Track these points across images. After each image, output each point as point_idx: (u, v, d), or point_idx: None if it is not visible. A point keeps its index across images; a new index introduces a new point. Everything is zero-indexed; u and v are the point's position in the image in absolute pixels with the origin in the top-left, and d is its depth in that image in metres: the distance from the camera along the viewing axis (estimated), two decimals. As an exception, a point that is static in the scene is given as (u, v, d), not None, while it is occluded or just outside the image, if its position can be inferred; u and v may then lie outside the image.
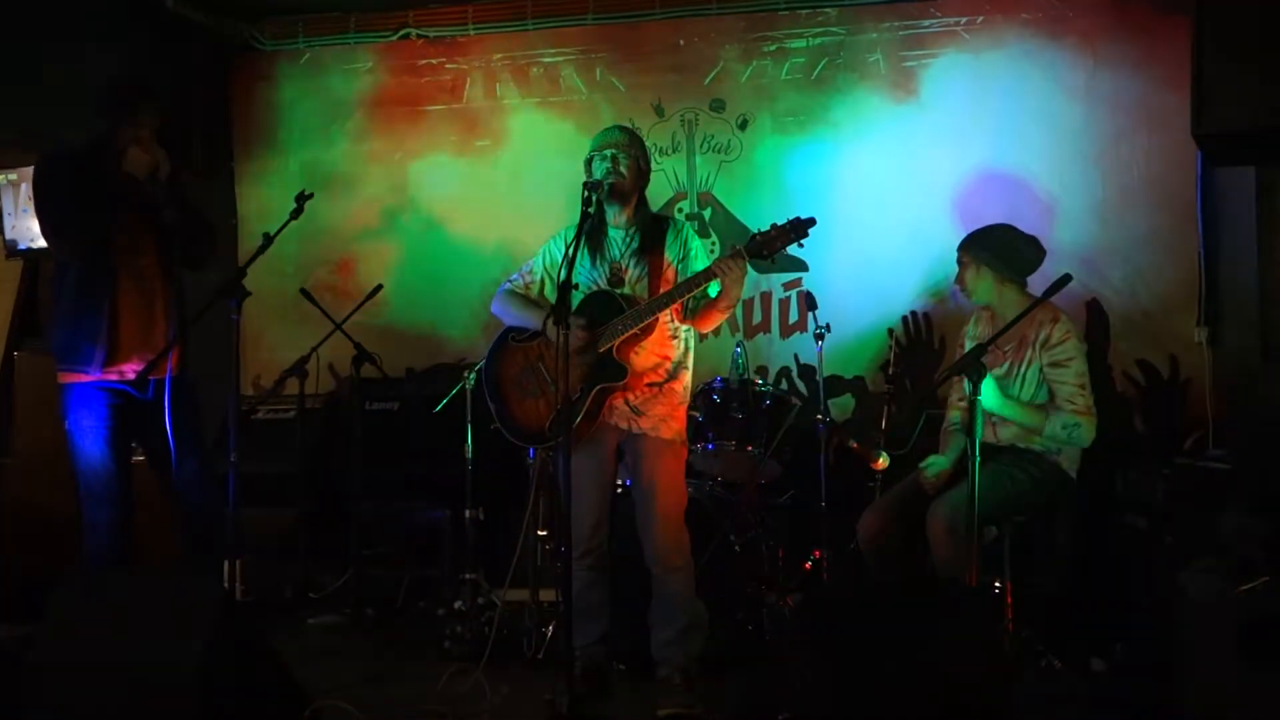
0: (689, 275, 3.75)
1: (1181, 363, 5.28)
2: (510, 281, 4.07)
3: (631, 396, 3.82)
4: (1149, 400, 5.30)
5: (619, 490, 4.21)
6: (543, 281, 4.00)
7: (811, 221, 3.60)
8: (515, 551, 4.54)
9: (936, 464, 4.15)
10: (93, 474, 3.92)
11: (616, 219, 3.90)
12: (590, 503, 3.85)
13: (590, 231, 3.83)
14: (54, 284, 4.01)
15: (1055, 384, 4.01)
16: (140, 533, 4.07)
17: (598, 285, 3.87)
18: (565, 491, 3.50)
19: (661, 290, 3.77)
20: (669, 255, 3.87)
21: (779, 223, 3.62)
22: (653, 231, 3.90)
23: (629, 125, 5.76)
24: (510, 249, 6.04)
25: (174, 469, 3.95)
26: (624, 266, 3.87)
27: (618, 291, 3.83)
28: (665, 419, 3.84)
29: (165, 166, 3.89)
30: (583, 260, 3.86)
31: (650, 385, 3.83)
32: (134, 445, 4.13)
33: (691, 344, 3.95)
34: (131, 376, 3.94)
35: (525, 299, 4.01)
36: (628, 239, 3.89)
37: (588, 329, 3.72)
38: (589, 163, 3.89)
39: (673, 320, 3.85)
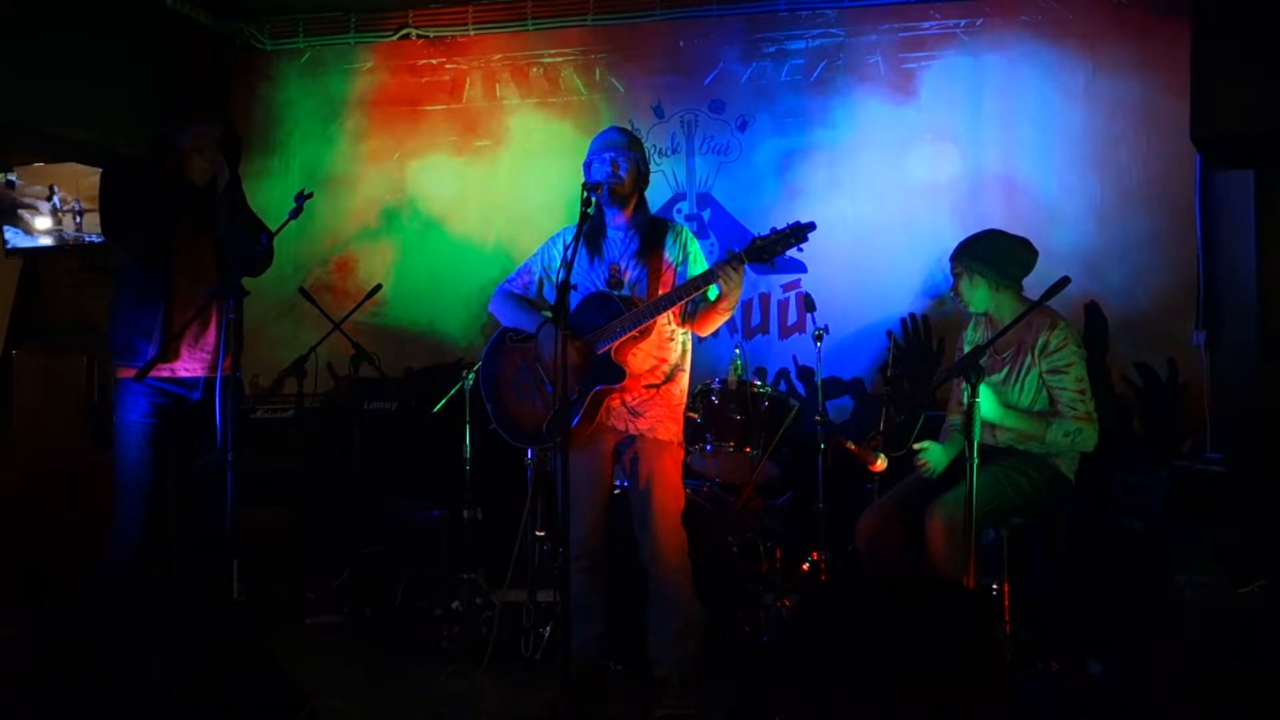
0: (689, 278, 3.75)
1: (1180, 365, 5.28)
2: (509, 282, 4.07)
3: (629, 398, 3.82)
4: (1147, 403, 5.30)
5: (616, 492, 4.21)
6: (541, 282, 4.00)
7: (811, 226, 3.59)
8: (513, 552, 4.54)
9: (933, 451, 4.13)
10: (130, 470, 3.96)
11: (616, 220, 3.90)
12: (587, 504, 3.85)
13: (589, 233, 3.83)
14: (116, 283, 4.09)
15: (1056, 390, 4.00)
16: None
17: (596, 286, 3.87)
18: (563, 493, 3.49)
19: (660, 292, 3.77)
20: (668, 257, 3.87)
21: (779, 227, 3.62)
22: (652, 233, 3.90)
23: (628, 126, 5.79)
24: (509, 249, 6.05)
25: (210, 463, 3.97)
26: (623, 268, 3.87)
27: (616, 293, 3.83)
28: (663, 420, 3.84)
29: (224, 174, 3.97)
30: (581, 261, 3.86)
31: (648, 387, 3.83)
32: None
33: (689, 347, 3.96)
34: (183, 375, 3.98)
35: (523, 300, 4.01)
36: (627, 240, 3.90)
37: (579, 340, 3.71)
38: (588, 165, 3.90)
39: (670, 323, 3.85)
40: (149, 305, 3.94)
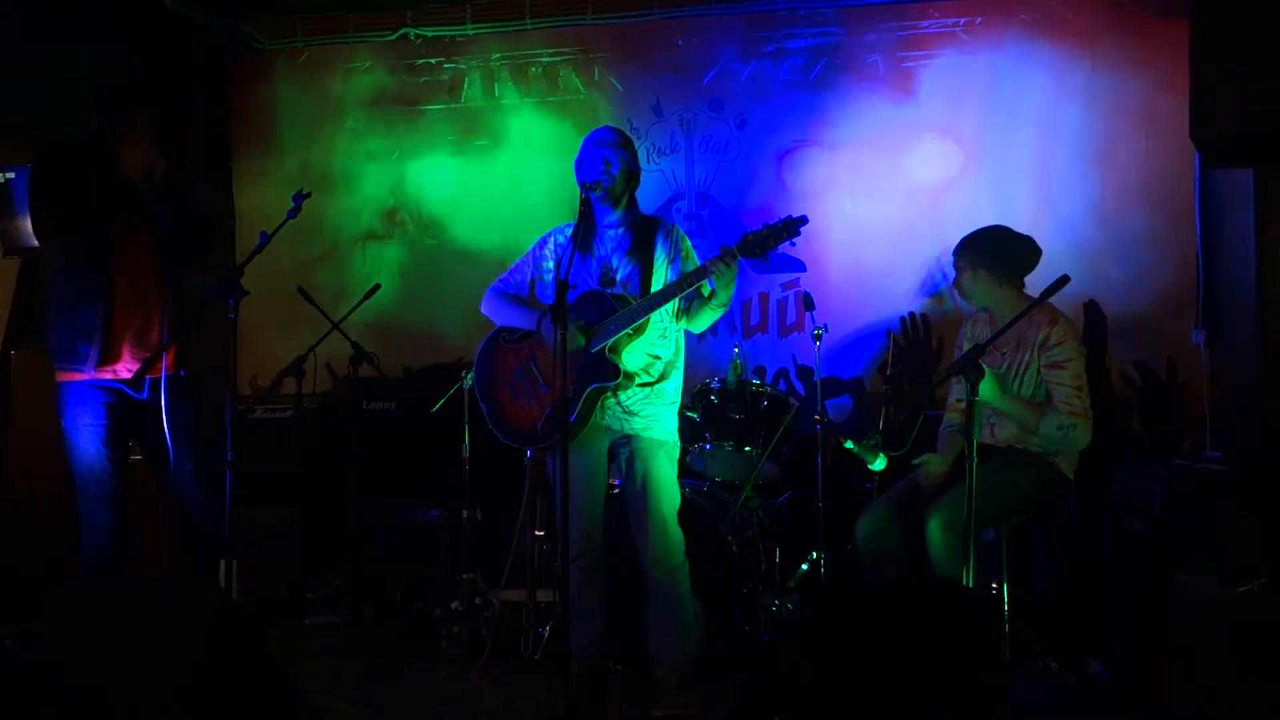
0: (681, 274, 3.76)
1: (1179, 364, 5.28)
2: (501, 283, 4.08)
3: (623, 397, 3.82)
4: (1147, 402, 5.30)
5: (615, 491, 4.21)
6: (534, 282, 4.01)
7: (803, 220, 3.61)
8: (512, 552, 4.54)
9: (932, 462, 4.15)
10: (89, 473, 3.92)
11: (607, 219, 3.90)
12: (583, 504, 3.85)
13: (581, 231, 3.84)
14: (50, 283, 4.02)
15: (1052, 385, 4.01)
16: (135, 532, 4.07)
17: (589, 285, 3.86)
18: (561, 494, 3.49)
19: (652, 290, 3.78)
20: (660, 256, 3.87)
21: (771, 222, 3.63)
22: (644, 231, 3.90)
23: (627, 125, 5.81)
24: (508, 249, 6.04)
25: (172, 467, 3.95)
26: (614, 266, 3.87)
27: (609, 291, 3.83)
28: (657, 419, 3.84)
29: (160, 167, 3.91)
30: (574, 260, 3.86)
31: (642, 385, 3.83)
32: (131, 445, 4.13)
33: (681, 344, 3.95)
34: (126, 375, 3.95)
35: (517, 299, 4.01)
36: (619, 238, 3.90)
37: (584, 330, 3.73)
38: (580, 163, 3.90)
39: (663, 319, 3.85)
40: (87, 305, 3.88)
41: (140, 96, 4.01)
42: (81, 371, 3.90)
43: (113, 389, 3.94)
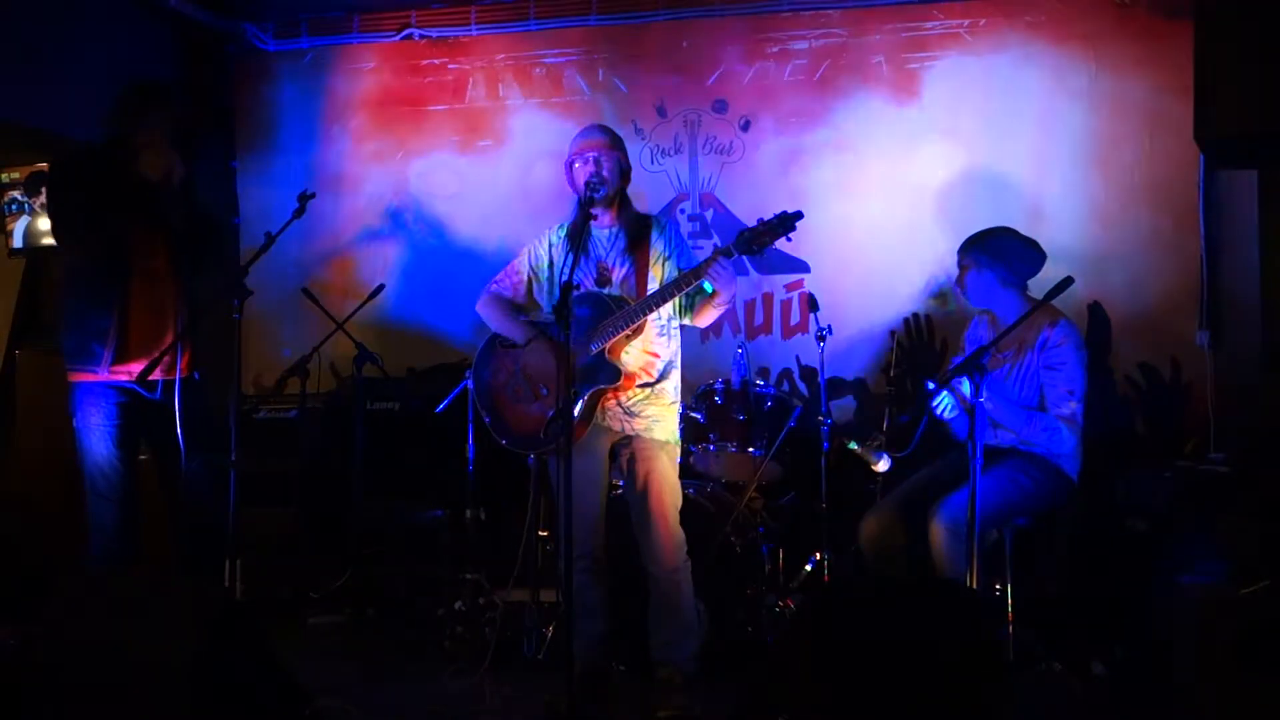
0: (678, 272, 3.76)
1: (1183, 366, 5.27)
2: (496, 284, 4.08)
3: (624, 398, 3.82)
4: (1150, 403, 5.29)
5: (617, 493, 4.21)
6: (530, 282, 4.02)
7: (798, 216, 3.62)
8: (517, 552, 4.54)
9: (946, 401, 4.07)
10: (99, 473, 3.93)
11: (601, 219, 3.90)
12: (585, 505, 3.85)
13: (575, 233, 3.86)
14: (64, 283, 4.03)
15: (1045, 386, 4.02)
16: (142, 532, 4.07)
17: (585, 286, 3.87)
18: (565, 495, 3.49)
19: (649, 288, 3.78)
20: (655, 253, 3.88)
21: (765, 218, 3.64)
22: (638, 230, 3.91)
23: (631, 126, 5.81)
24: (512, 249, 6.00)
25: (183, 468, 3.96)
26: (610, 266, 3.88)
27: (605, 292, 3.83)
28: (658, 420, 3.85)
29: (178, 170, 3.92)
30: (569, 262, 3.86)
31: (642, 386, 3.84)
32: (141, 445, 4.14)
33: (679, 342, 3.96)
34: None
35: (510, 305, 4.02)
36: (613, 238, 3.91)
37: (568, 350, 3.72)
38: (570, 164, 3.90)
39: (660, 318, 3.85)
40: (103, 307, 3.89)
41: (160, 100, 4.03)
42: (94, 372, 3.91)
43: (125, 390, 3.95)
